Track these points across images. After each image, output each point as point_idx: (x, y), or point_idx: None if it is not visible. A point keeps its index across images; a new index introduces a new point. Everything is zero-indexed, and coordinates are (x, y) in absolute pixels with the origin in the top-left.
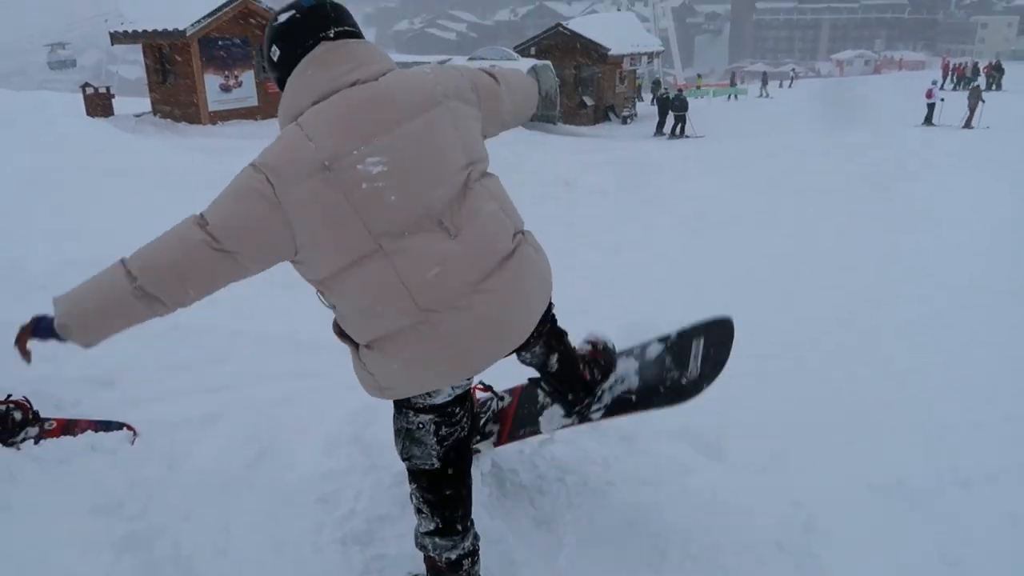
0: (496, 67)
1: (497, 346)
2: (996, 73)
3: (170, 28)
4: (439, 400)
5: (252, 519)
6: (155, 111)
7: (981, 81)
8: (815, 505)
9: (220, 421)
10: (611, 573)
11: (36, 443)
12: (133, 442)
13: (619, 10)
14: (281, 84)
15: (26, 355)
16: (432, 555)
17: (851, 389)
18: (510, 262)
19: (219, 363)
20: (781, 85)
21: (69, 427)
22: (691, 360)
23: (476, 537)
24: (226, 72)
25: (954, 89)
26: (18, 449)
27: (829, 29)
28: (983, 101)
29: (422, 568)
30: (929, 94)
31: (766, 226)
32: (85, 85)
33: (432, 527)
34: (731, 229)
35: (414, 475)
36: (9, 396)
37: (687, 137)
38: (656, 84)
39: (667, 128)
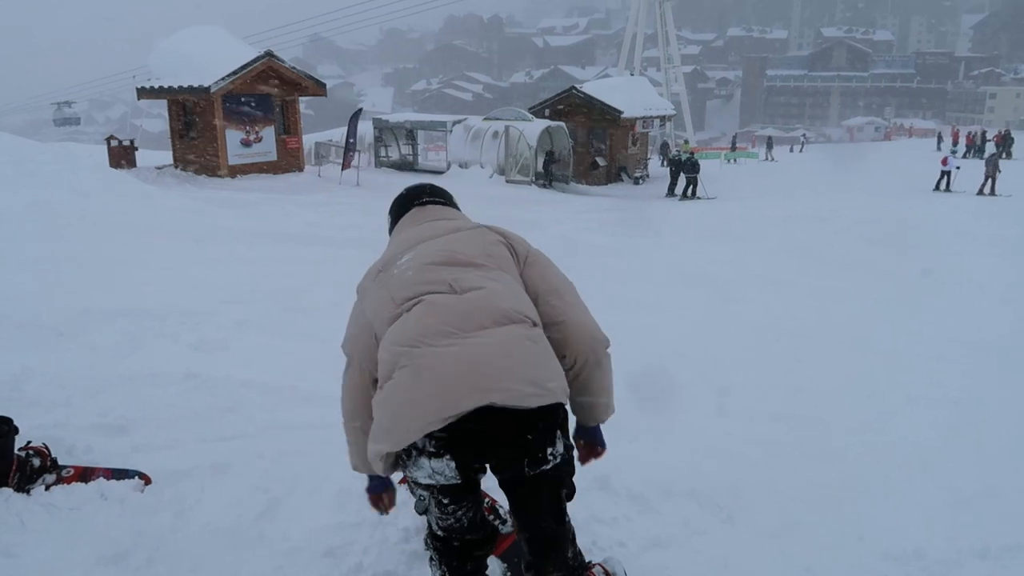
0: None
1: (469, 386)
2: (1007, 142)
3: (195, 84)
4: (419, 478)
5: (259, 572)
6: (176, 164)
7: (991, 148)
8: (828, 573)
9: (229, 471)
10: None
11: (47, 489)
12: (143, 490)
13: (632, 75)
14: None
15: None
16: None
17: (866, 459)
18: (506, 327)
19: (229, 412)
20: (792, 150)
21: (86, 475)
22: None
23: None
24: (247, 127)
25: (964, 156)
26: (28, 494)
27: (839, 96)
28: (1000, 171)
29: None
30: (944, 161)
31: (775, 290)
32: (110, 138)
33: None
34: (739, 291)
35: (428, 526)
36: (29, 443)
37: (699, 199)
38: (664, 147)
39: (678, 189)
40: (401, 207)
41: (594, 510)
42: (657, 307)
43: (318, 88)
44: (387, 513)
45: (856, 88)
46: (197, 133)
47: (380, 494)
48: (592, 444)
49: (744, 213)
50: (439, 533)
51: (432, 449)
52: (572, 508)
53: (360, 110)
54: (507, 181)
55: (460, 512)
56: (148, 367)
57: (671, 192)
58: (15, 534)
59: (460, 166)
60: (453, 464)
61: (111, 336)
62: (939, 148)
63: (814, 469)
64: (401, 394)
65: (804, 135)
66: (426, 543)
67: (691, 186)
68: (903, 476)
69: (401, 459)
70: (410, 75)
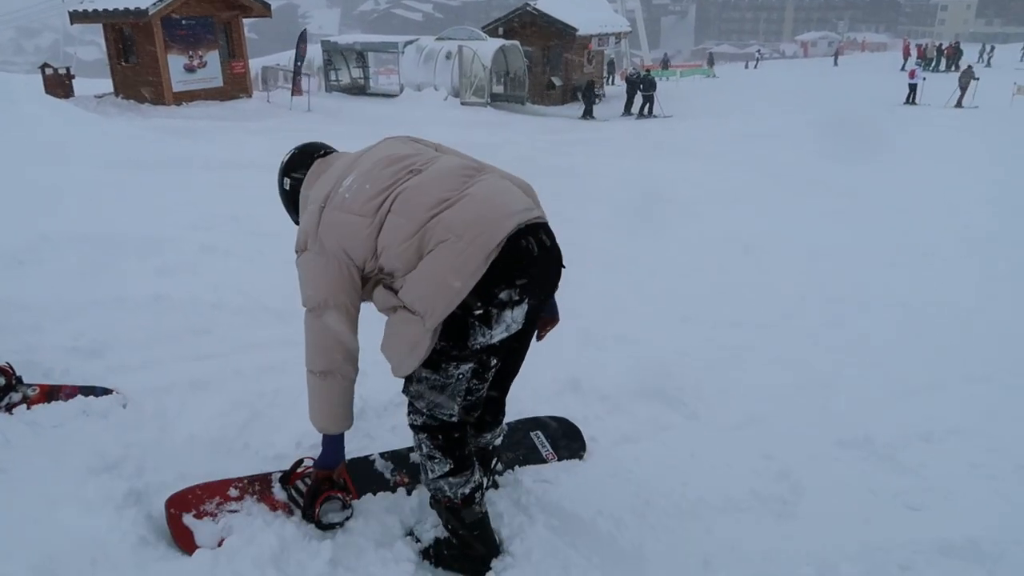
0: None
1: (504, 210)
2: (956, 54)
3: (131, 7)
4: (495, 336)
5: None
6: (117, 92)
7: (943, 62)
8: (787, 458)
9: (208, 387)
10: (597, 520)
11: (28, 408)
12: (126, 406)
13: None
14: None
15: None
16: (448, 495)
17: (821, 359)
18: (481, 175)
19: (203, 334)
20: (747, 66)
21: (53, 392)
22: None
23: (479, 469)
24: (190, 52)
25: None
26: (10, 414)
27: (793, 11)
28: (976, 79)
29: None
30: (912, 74)
31: (734, 206)
32: (44, 65)
33: (446, 468)
34: (697, 207)
35: (428, 429)
36: None
37: (655, 117)
38: (611, 65)
39: (635, 108)
40: (303, 160)
41: (567, 410)
42: (618, 226)
43: (263, 9)
44: (351, 502)
45: (810, 2)
46: (137, 59)
47: (335, 468)
48: (552, 315)
49: (702, 132)
50: (456, 419)
51: (517, 297)
52: (545, 408)
53: (306, 32)
54: (462, 103)
55: (489, 374)
56: (116, 291)
57: (627, 111)
58: (1, 451)
59: (414, 89)
60: (525, 308)
61: (73, 262)
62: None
63: (772, 369)
64: (460, 248)
65: (759, 51)
66: (425, 446)
67: (647, 104)
68: (855, 373)
69: (472, 326)
70: None
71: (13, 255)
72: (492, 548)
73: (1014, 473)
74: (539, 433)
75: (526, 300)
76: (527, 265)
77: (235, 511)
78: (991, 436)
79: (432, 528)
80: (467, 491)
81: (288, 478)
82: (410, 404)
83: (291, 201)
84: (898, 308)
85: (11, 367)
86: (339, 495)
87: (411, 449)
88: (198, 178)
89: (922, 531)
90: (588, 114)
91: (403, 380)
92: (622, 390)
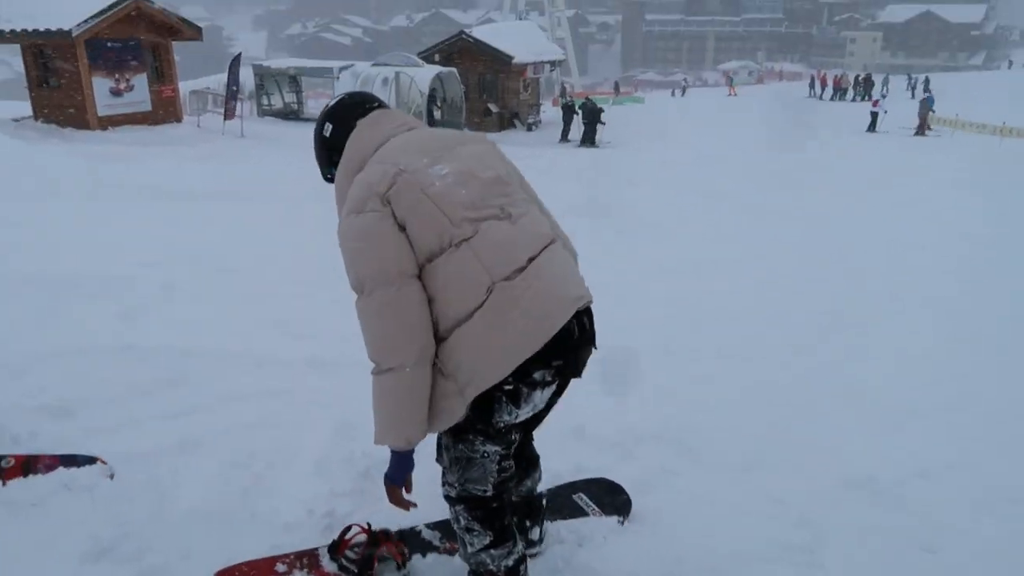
0: None
1: (567, 294)
2: (868, 84)
3: (53, 28)
4: (521, 416)
5: (256, 550)
6: (36, 116)
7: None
8: (798, 502)
9: (198, 450)
10: None
11: (3, 483)
12: (112, 476)
13: (519, 19)
14: (332, 158)
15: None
16: (491, 568)
17: (799, 390)
18: (552, 245)
19: (178, 385)
20: (673, 94)
21: (29, 464)
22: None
23: (521, 540)
24: (116, 75)
25: (832, 99)
26: None
27: (714, 40)
28: (933, 111)
29: None
30: (875, 104)
31: (690, 230)
32: None
33: (487, 541)
34: (651, 232)
35: (464, 500)
36: None
37: (596, 146)
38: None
39: (572, 135)
40: (355, 108)
41: (578, 459)
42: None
43: (194, 32)
44: (409, 509)
45: (730, 32)
46: (59, 81)
47: (404, 482)
48: None
49: (645, 158)
50: (491, 493)
51: (550, 379)
52: (558, 459)
53: (239, 55)
54: None
55: (513, 449)
56: (75, 340)
57: (564, 137)
58: None
59: None
60: (554, 389)
61: (21, 307)
62: (811, 93)
63: (760, 404)
64: (508, 332)
65: (685, 79)
66: (463, 518)
67: (590, 131)
68: (838, 404)
69: (500, 401)
70: (283, 18)
71: None
72: None
73: (1012, 507)
74: (582, 495)
75: (556, 382)
76: (566, 348)
77: None
78: (983, 471)
79: None
80: (510, 563)
81: (337, 548)
82: (443, 474)
83: (329, 149)
84: (858, 333)
85: None
86: (396, 558)
87: None
88: (141, 209)
89: None
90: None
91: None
92: (627, 435)
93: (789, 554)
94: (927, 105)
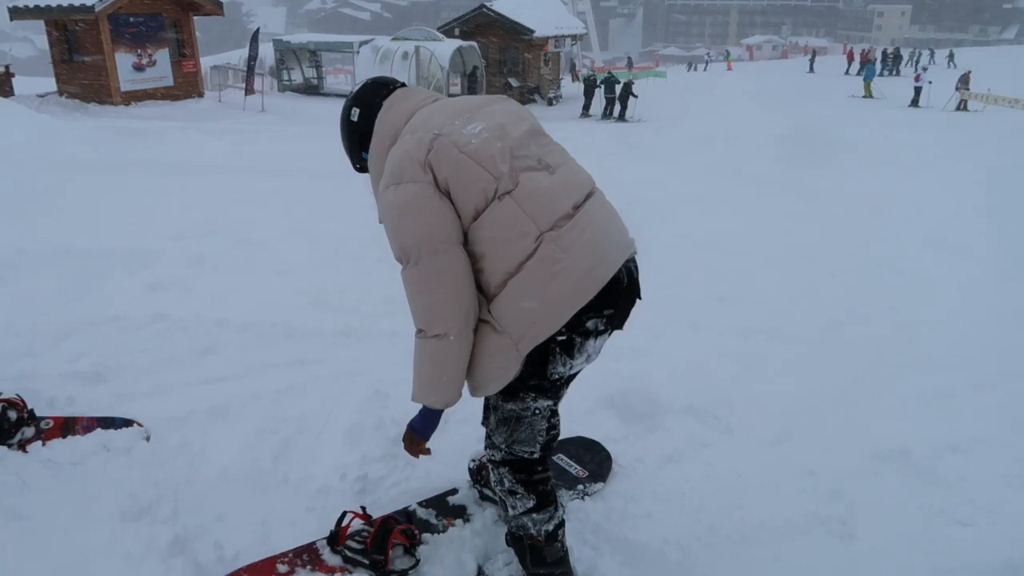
0: None
1: (615, 242)
2: (897, 59)
3: (76, 3)
4: (575, 366)
5: (289, 514)
6: (61, 91)
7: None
8: (830, 475)
9: (228, 415)
10: (665, 549)
11: (44, 444)
12: (149, 439)
13: None
14: (362, 142)
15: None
16: (532, 532)
17: (826, 366)
18: (596, 194)
19: (209, 354)
20: (696, 68)
21: (68, 425)
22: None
23: (562, 505)
24: (139, 50)
25: (858, 74)
26: (24, 452)
27: (737, 14)
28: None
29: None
30: (917, 78)
31: (713, 209)
32: None
33: (530, 504)
34: (672, 209)
35: (509, 463)
36: (0, 395)
37: (626, 121)
38: (572, 67)
39: (593, 110)
40: (379, 90)
41: (606, 429)
42: None
43: (215, 7)
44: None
45: (754, 6)
46: (83, 57)
47: (428, 438)
48: None
49: (670, 134)
50: (537, 455)
51: (603, 327)
52: (585, 428)
53: (259, 31)
54: None
55: (559, 403)
56: (108, 310)
57: (585, 112)
58: (18, 495)
59: None
60: (607, 338)
61: (55, 278)
62: (848, 71)
63: (790, 380)
64: (562, 284)
65: (708, 54)
66: (507, 480)
67: (610, 106)
68: (865, 381)
69: (554, 353)
70: None
71: None
72: None
73: None
74: (561, 456)
75: (609, 330)
76: (616, 296)
77: None
78: (1013, 445)
79: (504, 567)
80: (551, 528)
81: (337, 539)
82: (488, 438)
83: (357, 133)
84: (888, 317)
85: (22, 399)
86: (404, 542)
87: (448, 494)
88: (165, 183)
89: (981, 551)
90: (587, 110)
91: (481, 408)
92: (656, 407)
93: (822, 525)
94: (966, 80)
